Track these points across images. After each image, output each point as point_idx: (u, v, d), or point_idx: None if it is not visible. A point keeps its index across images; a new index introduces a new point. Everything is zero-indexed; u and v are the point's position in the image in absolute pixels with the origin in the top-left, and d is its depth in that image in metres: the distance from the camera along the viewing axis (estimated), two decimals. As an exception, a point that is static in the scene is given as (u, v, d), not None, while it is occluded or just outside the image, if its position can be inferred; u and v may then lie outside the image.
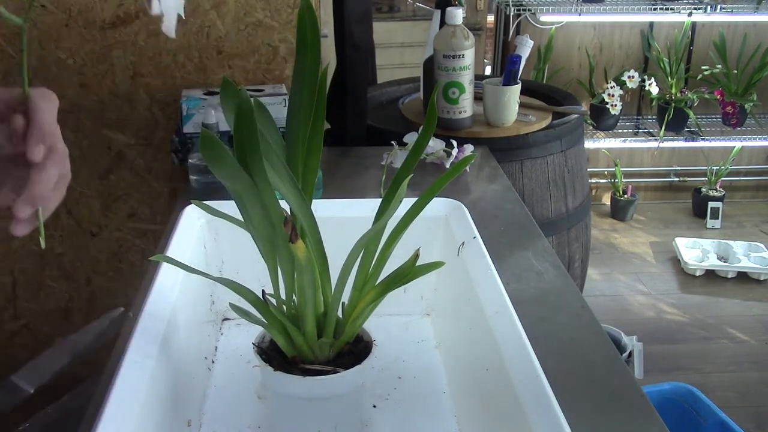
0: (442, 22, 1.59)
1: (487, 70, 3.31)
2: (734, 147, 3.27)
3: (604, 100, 2.93)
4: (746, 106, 3.01)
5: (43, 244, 0.52)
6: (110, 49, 1.44)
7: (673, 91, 3.06)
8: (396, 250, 0.68)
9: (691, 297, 2.72)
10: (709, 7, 2.92)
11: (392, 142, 1.43)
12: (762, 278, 2.80)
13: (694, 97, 3.05)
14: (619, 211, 3.33)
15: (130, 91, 1.49)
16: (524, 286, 0.98)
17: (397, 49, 3.22)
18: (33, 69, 1.44)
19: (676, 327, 2.53)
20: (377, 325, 0.72)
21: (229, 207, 0.66)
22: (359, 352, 0.70)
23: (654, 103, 3.12)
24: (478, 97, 1.69)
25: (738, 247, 2.89)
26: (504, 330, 0.68)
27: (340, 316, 0.69)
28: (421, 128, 0.71)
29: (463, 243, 0.85)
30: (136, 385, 0.59)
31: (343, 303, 0.69)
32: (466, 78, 1.59)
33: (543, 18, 3.01)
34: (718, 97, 3.04)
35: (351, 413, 0.72)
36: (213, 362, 0.85)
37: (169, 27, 0.54)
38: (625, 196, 3.32)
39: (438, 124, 0.77)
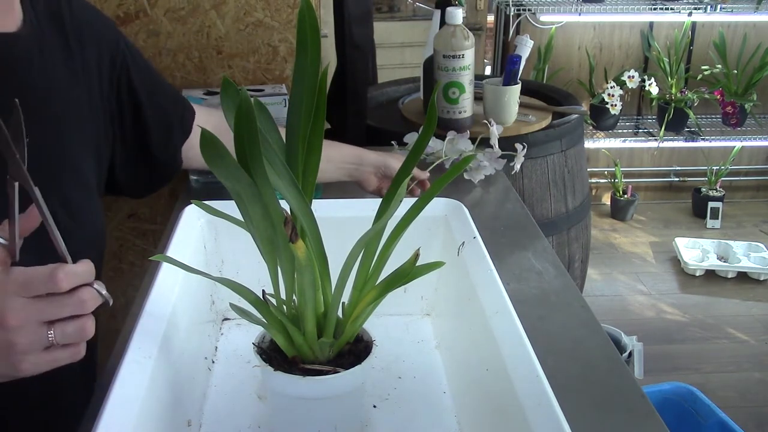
0: (442, 22, 1.59)
1: (487, 70, 3.31)
2: (734, 147, 3.27)
3: (604, 100, 2.93)
4: (746, 106, 3.02)
5: None
6: (110, 49, 1.44)
7: (673, 91, 3.06)
8: (396, 250, 0.68)
9: (691, 297, 2.72)
10: (709, 7, 2.92)
11: (392, 142, 1.43)
12: (762, 278, 2.80)
13: (694, 97, 3.05)
14: (619, 211, 3.33)
15: (130, 91, 1.49)
16: (524, 286, 0.98)
17: (397, 49, 3.22)
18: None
19: (676, 327, 2.53)
20: (377, 325, 0.72)
21: (229, 207, 0.66)
22: (359, 352, 0.70)
23: (654, 103, 3.12)
24: (478, 97, 1.69)
25: (738, 247, 2.89)
26: (504, 330, 0.68)
27: (340, 316, 0.69)
28: (421, 128, 0.71)
29: (463, 243, 0.85)
30: (136, 385, 0.59)
31: (343, 303, 0.69)
32: (466, 78, 1.59)
33: (543, 18, 3.01)
34: (718, 97, 3.04)
35: (351, 413, 0.72)
36: (213, 362, 0.85)
37: None
38: (625, 196, 3.32)
39: (438, 124, 0.77)
